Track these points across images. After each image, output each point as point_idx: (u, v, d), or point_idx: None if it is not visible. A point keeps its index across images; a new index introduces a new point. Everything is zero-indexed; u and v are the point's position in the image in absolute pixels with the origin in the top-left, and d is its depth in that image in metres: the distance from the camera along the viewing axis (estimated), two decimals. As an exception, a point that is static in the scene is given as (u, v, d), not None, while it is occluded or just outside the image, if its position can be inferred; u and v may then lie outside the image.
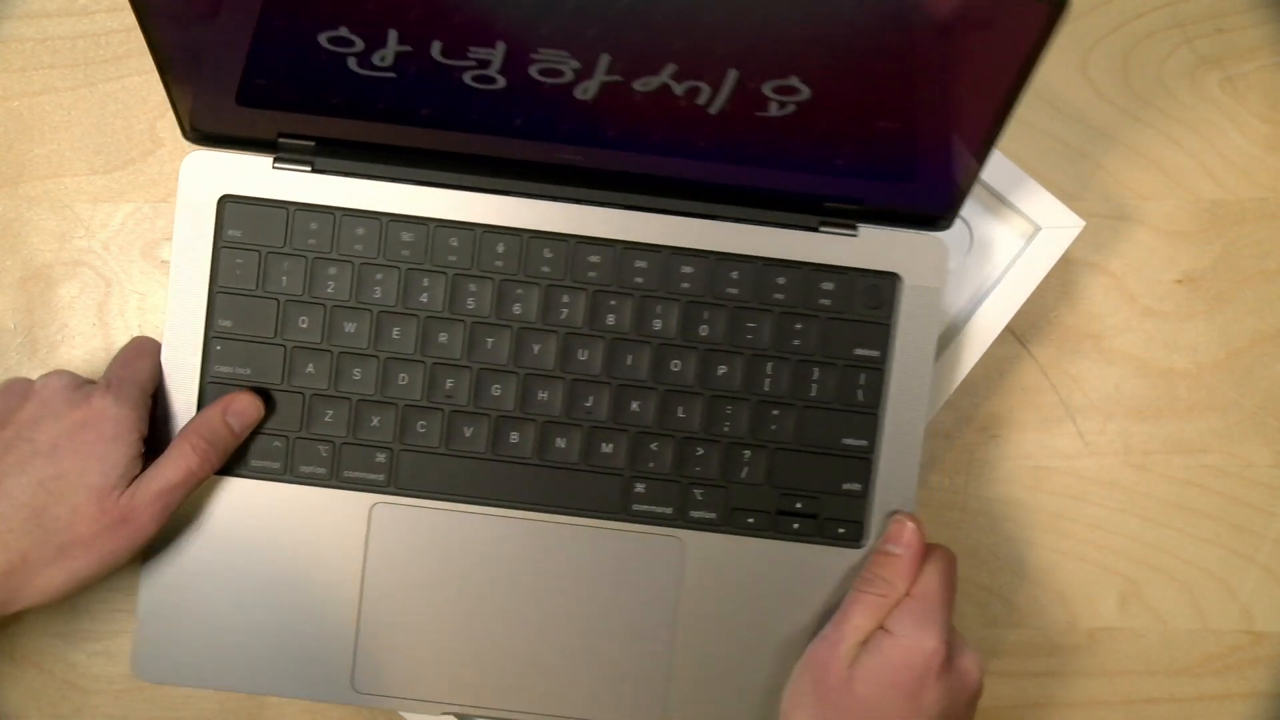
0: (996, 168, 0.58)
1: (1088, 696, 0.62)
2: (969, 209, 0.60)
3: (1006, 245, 0.60)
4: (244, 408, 0.53)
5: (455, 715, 0.55)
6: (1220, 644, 0.62)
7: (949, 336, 0.59)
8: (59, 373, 0.53)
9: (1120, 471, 0.63)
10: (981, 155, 0.50)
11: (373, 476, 0.54)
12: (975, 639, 0.62)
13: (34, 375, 0.61)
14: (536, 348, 0.54)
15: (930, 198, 0.53)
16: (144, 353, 0.54)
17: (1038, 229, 0.58)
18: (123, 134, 0.62)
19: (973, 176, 0.51)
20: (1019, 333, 0.63)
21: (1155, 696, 0.62)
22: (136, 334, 0.61)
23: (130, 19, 0.62)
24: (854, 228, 0.55)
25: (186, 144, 0.54)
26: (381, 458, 0.54)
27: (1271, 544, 0.63)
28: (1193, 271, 0.63)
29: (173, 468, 0.51)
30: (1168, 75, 0.64)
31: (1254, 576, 0.63)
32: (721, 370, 0.55)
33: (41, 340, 0.61)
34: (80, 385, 0.53)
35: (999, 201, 0.59)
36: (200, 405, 0.54)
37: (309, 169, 0.54)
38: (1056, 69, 0.63)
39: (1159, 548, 0.63)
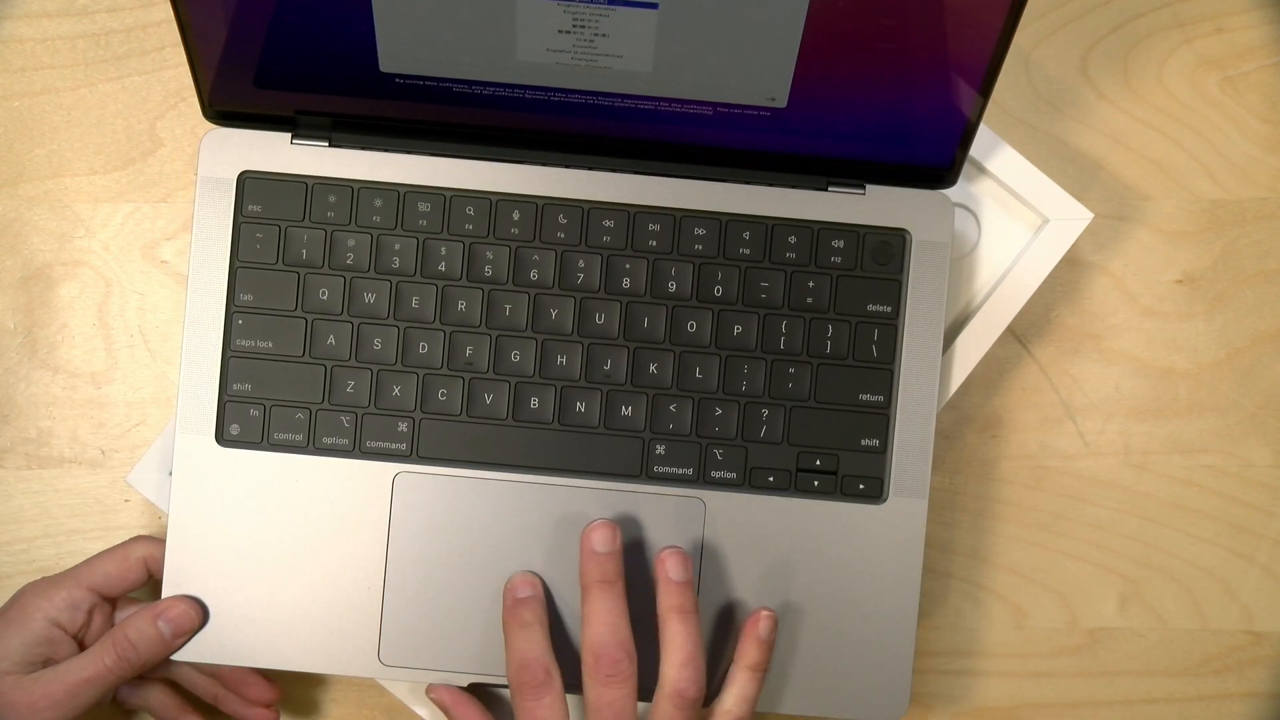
0: (1004, 160, 0.58)
1: (1088, 696, 0.62)
2: (977, 200, 0.60)
3: (1015, 237, 0.60)
4: (178, 615, 0.53)
5: (481, 684, 0.55)
6: (1220, 644, 0.62)
7: (951, 335, 0.59)
8: None
9: (1120, 471, 0.63)
10: (977, 107, 0.51)
11: (395, 446, 0.54)
12: (976, 639, 0.62)
13: (33, 375, 0.61)
14: (554, 312, 0.55)
15: (931, 152, 0.53)
16: (117, 556, 0.55)
17: (1046, 221, 0.58)
18: (123, 134, 0.62)
19: (972, 130, 0.52)
20: (1019, 333, 0.63)
21: (1155, 696, 0.62)
22: (136, 335, 0.61)
23: (130, 19, 0.62)
24: (862, 186, 0.55)
25: (188, 141, 0.55)
26: (403, 427, 0.54)
27: (1271, 544, 0.63)
28: (1193, 271, 0.63)
29: (86, 664, 0.52)
30: (1168, 75, 0.64)
31: (1254, 576, 0.63)
32: (737, 330, 0.55)
33: (41, 340, 0.61)
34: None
35: (1007, 193, 0.59)
36: (222, 382, 0.54)
37: (326, 144, 0.55)
38: (1057, 69, 0.63)
39: (1159, 548, 0.63)
